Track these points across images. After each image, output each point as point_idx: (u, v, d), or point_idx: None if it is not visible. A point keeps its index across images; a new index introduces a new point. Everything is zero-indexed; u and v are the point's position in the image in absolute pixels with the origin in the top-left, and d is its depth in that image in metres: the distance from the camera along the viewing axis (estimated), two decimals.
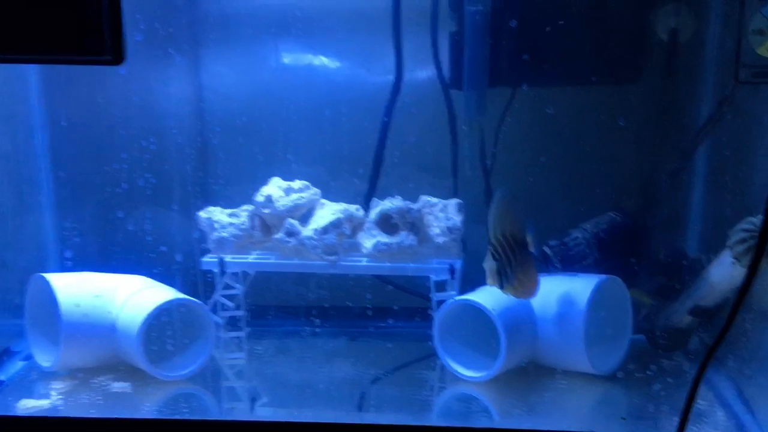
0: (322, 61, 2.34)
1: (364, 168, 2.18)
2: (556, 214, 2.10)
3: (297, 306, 2.22)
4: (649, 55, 2.04)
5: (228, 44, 2.31)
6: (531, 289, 1.62)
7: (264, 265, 1.99)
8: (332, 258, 1.96)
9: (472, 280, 1.96)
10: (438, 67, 2.15)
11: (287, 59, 2.33)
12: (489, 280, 1.62)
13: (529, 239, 1.68)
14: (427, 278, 1.93)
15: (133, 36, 1.99)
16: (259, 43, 2.32)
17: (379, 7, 2.21)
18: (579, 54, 2.01)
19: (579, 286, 1.83)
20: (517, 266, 1.59)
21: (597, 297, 1.81)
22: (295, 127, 2.29)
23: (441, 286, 1.89)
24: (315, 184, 2.11)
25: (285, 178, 2.12)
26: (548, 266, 1.97)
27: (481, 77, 2.01)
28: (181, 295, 1.88)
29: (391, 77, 2.08)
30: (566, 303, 1.82)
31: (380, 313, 2.07)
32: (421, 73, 2.25)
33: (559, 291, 1.85)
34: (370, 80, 2.29)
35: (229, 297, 2.07)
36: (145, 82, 2.22)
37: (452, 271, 1.94)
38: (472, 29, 1.98)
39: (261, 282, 2.13)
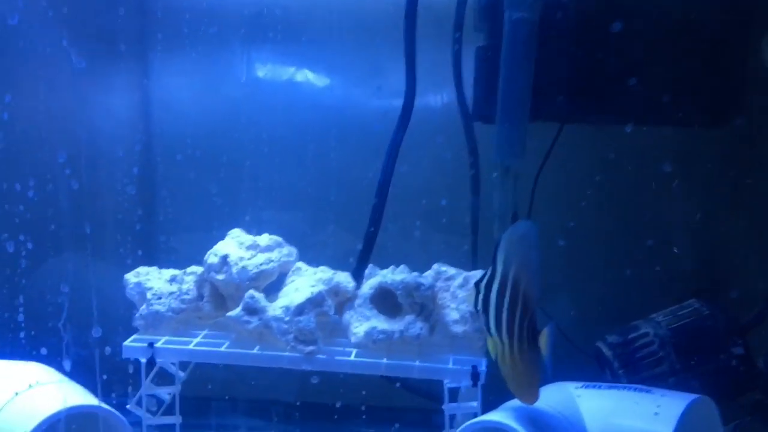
0: (307, 76, 1.82)
1: (358, 221, 1.62)
2: (611, 299, 1.57)
3: (264, 401, 1.65)
4: (745, 93, 1.53)
5: (185, 48, 1.78)
6: (527, 383, 1.23)
7: (211, 355, 1.42)
8: (309, 349, 1.41)
9: (503, 389, 1.40)
10: (460, 92, 1.63)
11: (261, 72, 1.82)
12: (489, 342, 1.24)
13: (543, 337, 1.22)
14: (440, 382, 1.36)
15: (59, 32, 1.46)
16: (225, 48, 1.80)
17: (385, 11, 1.68)
18: (656, 84, 1.49)
19: (654, 410, 1.29)
20: (518, 336, 1.21)
21: (684, 428, 1.26)
22: (268, 162, 1.76)
23: (459, 394, 1.32)
24: (291, 240, 1.56)
25: (250, 230, 1.56)
26: (604, 372, 1.43)
27: (521, 108, 1.48)
28: (90, 399, 1.31)
29: (398, 103, 1.55)
30: None
31: (379, 417, 1.49)
32: (437, 98, 1.74)
33: (624, 415, 1.31)
34: (370, 105, 1.78)
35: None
36: (69, 91, 1.66)
37: (475, 375, 1.38)
38: (511, 43, 1.46)
39: (211, 367, 1.56)
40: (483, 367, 1.40)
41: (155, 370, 1.49)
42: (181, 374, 1.52)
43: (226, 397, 1.65)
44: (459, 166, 1.67)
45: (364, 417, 1.56)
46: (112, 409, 1.32)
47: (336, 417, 1.56)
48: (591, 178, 1.63)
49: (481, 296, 1.24)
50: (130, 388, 1.52)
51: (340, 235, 1.69)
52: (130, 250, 1.63)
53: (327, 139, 1.77)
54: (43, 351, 1.45)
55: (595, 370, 1.53)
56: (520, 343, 1.22)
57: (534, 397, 1.27)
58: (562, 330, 1.64)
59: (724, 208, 1.65)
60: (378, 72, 1.82)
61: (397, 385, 1.53)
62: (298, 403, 1.63)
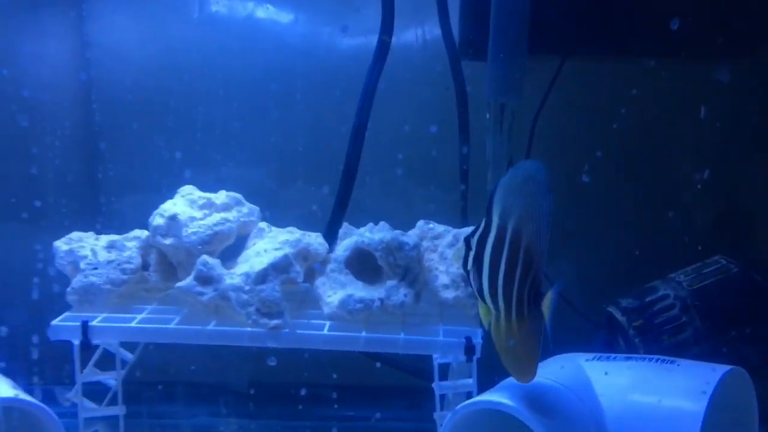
0: (269, 12, 1.58)
1: (330, 176, 1.40)
2: (620, 257, 1.37)
3: (222, 386, 1.43)
4: None
5: None
6: (526, 358, 1.04)
7: (157, 333, 1.19)
8: (273, 323, 1.19)
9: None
10: (444, 25, 1.40)
11: (216, 8, 1.57)
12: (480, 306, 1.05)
13: (548, 300, 1.02)
14: (429, 358, 1.16)
15: None
16: None
17: None
18: (670, 10, 1.27)
19: (681, 385, 1.11)
20: (517, 301, 1.03)
21: (715, 406, 1.08)
22: (226, 111, 1.53)
23: (450, 371, 1.12)
24: (253, 200, 1.33)
25: (206, 188, 1.33)
26: (616, 341, 1.24)
27: (518, 37, 1.26)
28: (11, 391, 1.09)
29: (372, 41, 1.31)
30: (665, 416, 1.08)
31: (354, 398, 1.30)
32: (418, 33, 1.50)
33: (645, 391, 1.12)
34: (340, 45, 1.55)
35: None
36: None
37: (470, 347, 1.18)
38: None
39: (162, 349, 1.34)
40: (479, 339, 1.20)
41: (98, 353, 1.27)
42: (129, 356, 1.31)
43: (179, 383, 1.43)
44: (445, 109, 1.45)
45: (338, 400, 1.35)
46: (33, 401, 1.10)
47: (305, 402, 1.35)
48: (596, 120, 1.42)
49: (472, 254, 1.04)
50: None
51: (310, 192, 1.48)
52: (66, 215, 1.39)
53: (292, 84, 1.54)
54: None
55: (603, 340, 1.34)
56: (519, 310, 1.03)
57: (532, 374, 1.07)
58: (564, 294, 1.45)
59: (746, 152, 1.45)
60: (349, 6, 1.58)
61: (378, 364, 1.32)
62: (261, 387, 1.41)
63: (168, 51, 1.58)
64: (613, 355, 1.21)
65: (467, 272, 1.06)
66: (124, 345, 1.29)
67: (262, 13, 1.60)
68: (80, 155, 1.53)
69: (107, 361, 1.26)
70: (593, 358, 1.22)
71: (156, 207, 1.31)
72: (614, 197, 1.46)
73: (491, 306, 1.04)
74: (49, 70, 1.55)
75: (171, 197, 1.33)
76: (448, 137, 1.41)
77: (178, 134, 1.50)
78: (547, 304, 1.02)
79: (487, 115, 1.30)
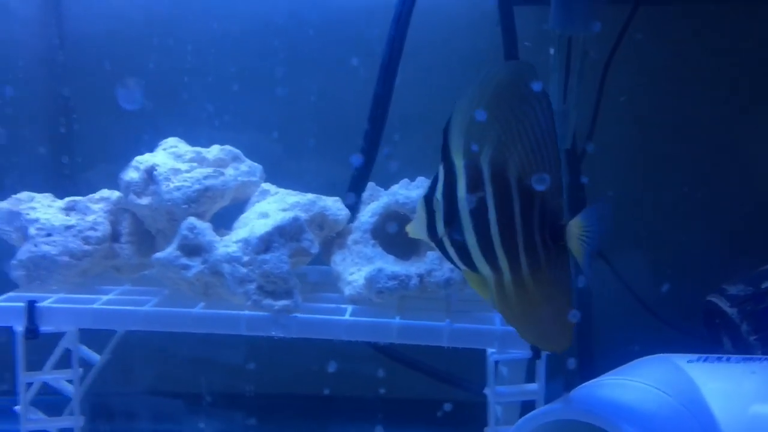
0: None
1: (348, 137, 1.13)
2: (700, 240, 1.10)
3: (214, 392, 1.14)
4: None
5: None
6: (555, 317, 0.77)
7: (128, 318, 0.90)
8: (280, 304, 0.90)
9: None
10: None
11: None
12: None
13: (576, 229, 0.75)
14: (481, 353, 0.87)
15: None
16: None
17: None
18: None
19: None
20: (525, 247, 0.76)
21: None
22: (222, 66, 1.26)
23: (516, 373, 0.84)
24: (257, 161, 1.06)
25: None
26: (719, 339, 0.96)
27: None
28: None
29: None
30: None
31: (379, 412, 1.02)
32: None
33: None
34: None
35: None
36: None
37: None
38: None
39: (139, 344, 1.06)
40: None
41: (58, 350, 0.98)
42: (90, 354, 1.02)
43: (151, 388, 1.14)
44: (488, 60, 1.18)
45: (354, 410, 1.05)
46: None
47: (315, 411, 1.05)
48: (684, 74, 1.16)
49: (440, 215, 0.77)
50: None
51: (323, 158, 1.20)
52: (31, 183, 1.11)
53: (301, 35, 1.28)
54: None
55: (684, 340, 1.06)
56: (533, 258, 0.76)
57: (569, 338, 0.78)
58: (630, 286, 1.17)
59: None
60: None
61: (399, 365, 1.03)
62: (262, 392, 1.12)
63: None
64: (725, 356, 0.93)
65: (438, 241, 0.79)
66: (95, 338, 1.00)
67: None
68: (48, 118, 1.26)
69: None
70: (698, 360, 0.94)
71: None
72: (703, 168, 1.19)
73: (488, 269, 0.77)
74: (18, 21, 1.30)
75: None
76: None
77: (164, 94, 1.24)
78: (577, 233, 0.74)
79: (551, 51, 1.04)
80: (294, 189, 1.07)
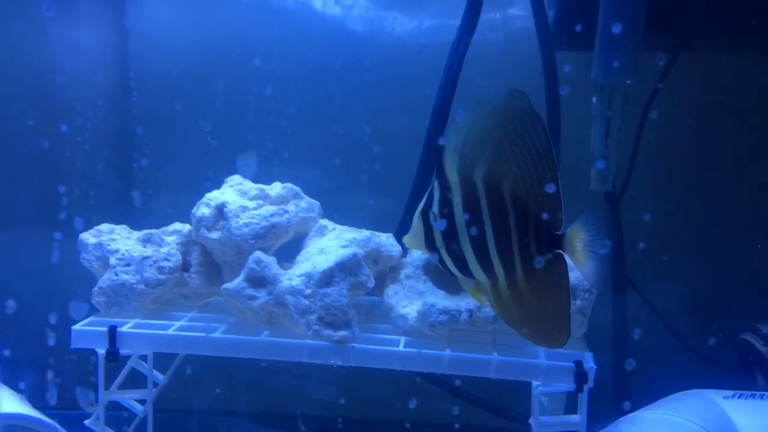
0: None
1: (400, 171, 1.21)
2: (736, 277, 1.15)
3: (275, 414, 1.21)
4: None
5: None
6: (552, 317, 0.85)
7: (199, 344, 0.98)
8: (339, 335, 0.97)
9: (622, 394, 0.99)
10: (538, 7, 1.22)
11: None
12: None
13: (575, 236, 0.84)
14: (527, 386, 0.94)
15: None
16: None
17: None
18: None
19: None
20: (520, 254, 0.85)
21: None
22: (278, 103, 1.34)
23: (555, 403, 0.89)
24: (311, 196, 1.14)
25: (257, 182, 1.14)
26: (753, 376, 1.01)
27: (634, 13, 1.07)
28: (21, 408, 0.90)
29: (440, 25, 1.20)
30: None
31: None
32: (498, 16, 1.33)
33: None
34: (407, 30, 1.38)
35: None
36: (32, 25, 1.27)
37: (580, 374, 0.95)
38: None
39: (204, 366, 1.14)
40: (591, 364, 0.97)
41: (127, 368, 1.07)
42: (159, 376, 1.10)
43: (222, 409, 1.21)
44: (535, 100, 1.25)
45: None
46: (41, 419, 0.89)
47: None
48: (717, 117, 1.22)
49: (438, 229, 0.85)
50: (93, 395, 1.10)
51: (376, 193, 1.27)
52: (98, 213, 1.20)
53: (353, 74, 1.36)
54: None
55: (732, 376, 1.10)
56: (527, 266, 0.84)
57: (566, 335, 0.86)
58: (667, 321, 1.22)
59: None
60: None
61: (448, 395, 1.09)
62: (318, 415, 1.19)
63: (214, 38, 1.42)
64: (759, 393, 0.97)
65: (436, 253, 0.87)
66: (156, 361, 1.09)
67: None
68: (117, 148, 1.35)
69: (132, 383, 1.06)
70: (733, 396, 0.98)
71: (196, 202, 1.12)
72: (736, 207, 1.24)
73: (484, 276, 0.85)
74: (88, 59, 1.40)
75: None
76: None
77: (224, 127, 1.32)
78: (576, 241, 0.82)
79: (594, 100, 1.10)
80: (346, 222, 1.15)
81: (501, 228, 0.83)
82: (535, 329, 0.88)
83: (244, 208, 1.05)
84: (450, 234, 0.85)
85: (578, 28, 1.19)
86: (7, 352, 1.12)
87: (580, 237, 0.83)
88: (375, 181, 1.29)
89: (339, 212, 1.22)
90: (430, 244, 0.87)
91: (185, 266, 1.09)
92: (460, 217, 0.83)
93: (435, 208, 0.85)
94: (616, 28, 1.07)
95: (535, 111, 0.81)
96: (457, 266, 0.87)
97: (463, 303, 1.01)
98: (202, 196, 1.12)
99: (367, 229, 1.12)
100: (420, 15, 1.39)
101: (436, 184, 0.85)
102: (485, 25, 1.37)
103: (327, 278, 0.99)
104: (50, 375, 1.21)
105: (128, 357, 1.07)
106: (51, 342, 1.08)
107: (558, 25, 1.23)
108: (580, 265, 0.84)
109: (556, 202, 0.82)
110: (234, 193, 1.09)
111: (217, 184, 1.15)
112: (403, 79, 1.35)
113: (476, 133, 0.82)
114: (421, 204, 0.89)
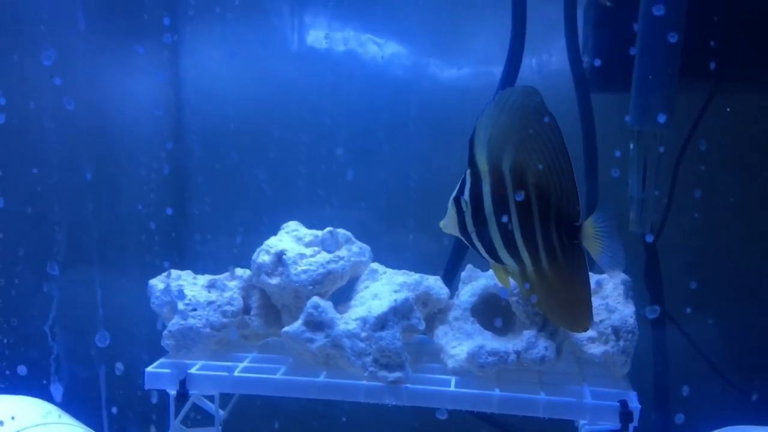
0: (370, 44, 1.51)
1: (444, 212, 1.26)
2: None
3: None
4: None
5: (223, 16, 1.46)
6: (575, 302, 0.92)
7: (263, 385, 1.05)
8: (393, 376, 1.03)
9: None
10: (573, 51, 1.28)
11: (315, 40, 1.49)
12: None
13: (590, 229, 0.92)
14: (572, 425, 0.99)
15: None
16: (271, 12, 1.48)
17: None
18: None
19: None
20: (544, 245, 0.91)
21: None
22: (327, 147, 1.41)
23: None
24: (360, 238, 1.20)
25: (310, 225, 1.21)
26: None
27: (669, 60, 1.12)
28: None
29: (482, 70, 1.27)
30: None
31: None
32: (539, 61, 1.38)
33: None
34: (448, 76, 1.44)
35: None
36: (90, 75, 1.36)
37: (626, 413, 1.00)
38: None
39: (263, 401, 1.19)
40: (636, 404, 1.01)
41: (187, 406, 1.13)
42: (221, 413, 1.16)
43: None
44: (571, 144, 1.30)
45: None
46: None
47: None
48: (755, 159, 1.26)
49: (468, 214, 0.92)
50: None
51: (421, 234, 1.33)
52: (157, 255, 1.28)
53: (398, 119, 1.43)
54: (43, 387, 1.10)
55: (759, 413, 1.14)
56: (551, 255, 0.91)
57: (588, 320, 0.93)
58: (710, 359, 1.26)
59: None
60: (455, 36, 1.49)
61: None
62: None
63: (266, 85, 1.49)
64: None
65: (467, 237, 0.93)
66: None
67: (363, 45, 1.51)
68: (170, 192, 1.43)
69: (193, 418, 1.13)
70: None
71: (252, 249, 1.19)
72: None
73: (513, 262, 0.92)
74: (135, 107, 1.48)
75: (268, 236, 1.21)
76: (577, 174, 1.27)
77: (277, 174, 1.39)
78: (591, 232, 0.89)
79: (631, 146, 1.16)
80: (394, 261, 1.21)
81: (525, 217, 0.89)
82: (561, 314, 0.95)
83: (302, 255, 1.11)
84: (480, 220, 0.90)
85: (613, 72, 1.25)
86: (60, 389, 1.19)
87: (595, 228, 0.89)
88: (420, 222, 1.35)
89: (387, 252, 1.29)
90: (462, 229, 0.94)
91: (246, 309, 1.16)
92: (489, 204, 0.89)
93: (466, 195, 0.91)
94: (652, 76, 1.12)
95: (546, 108, 0.88)
96: (487, 251, 0.93)
97: (511, 345, 1.06)
98: (258, 239, 1.19)
99: (413, 268, 1.18)
100: (458, 61, 1.45)
101: (468, 172, 0.92)
102: (523, 67, 1.43)
103: (381, 322, 1.05)
104: (114, 410, 1.28)
105: None
106: (116, 379, 1.16)
107: (593, 69, 1.29)
108: (595, 254, 0.90)
109: (573, 195, 0.89)
110: (291, 240, 1.16)
111: (272, 228, 1.22)
112: (445, 123, 1.41)
113: (500, 126, 0.89)
114: (455, 191, 0.95)
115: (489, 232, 0.91)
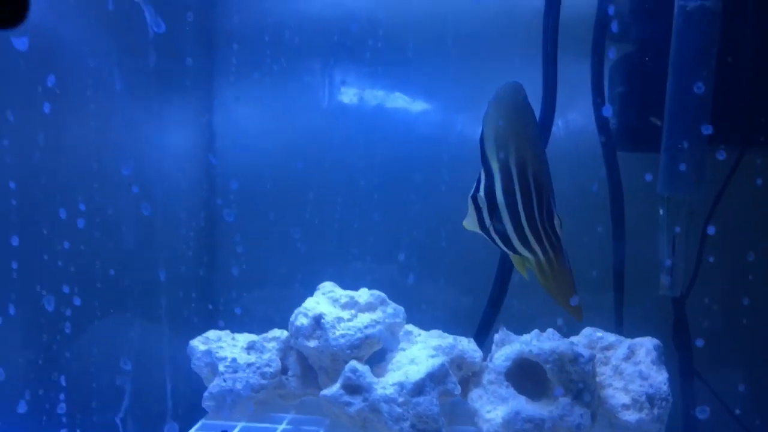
0: (399, 100, 1.53)
1: (475, 271, 1.29)
2: None
3: None
4: None
5: (257, 71, 1.50)
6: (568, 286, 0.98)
7: None
8: None
9: None
10: (599, 114, 1.31)
11: (348, 96, 1.52)
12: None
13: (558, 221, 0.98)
14: None
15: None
16: (304, 70, 1.52)
17: (487, 21, 1.41)
18: None
19: None
20: (545, 234, 0.96)
21: None
22: (359, 203, 1.45)
23: None
24: (389, 296, 1.23)
25: (341, 284, 1.24)
26: None
27: (698, 121, 1.14)
28: None
29: None
30: None
31: None
32: (565, 121, 1.41)
33: None
34: (477, 132, 1.46)
35: None
36: (123, 127, 1.39)
37: None
38: (683, 39, 1.14)
39: None
40: None
41: None
42: None
43: None
44: (595, 204, 1.33)
45: None
46: None
47: None
48: None
49: (485, 210, 0.96)
50: None
51: (453, 291, 1.36)
52: (191, 311, 1.31)
53: (428, 174, 1.45)
54: None
55: None
56: (550, 242, 0.97)
57: (576, 299, 0.99)
58: (740, 420, 1.27)
59: None
60: (486, 94, 1.51)
61: None
62: None
63: (299, 140, 1.53)
64: None
65: (486, 232, 0.98)
66: None
67: (393, 101, 1.54)
68: (203, 247, 1.46)
69: None
70: None
71: (285, 303, 1.22)
72: None
73: (527, 254, 0.97)
74: (169, 159, 1.51)
75: (302, 294, 1.24)
76: (598, 237, 1.30)
77: (309, 229, 1.42)
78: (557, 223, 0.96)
79: (661, 212, 1.18)
80: (426, 318, 1.23)
81: (530, 210, 0.94)
82: (563, 297, 0.99)
83: (340, 319, 1.14)
84: (494, 215, 0.96)
85: (640, 134, 1.28)
86: None
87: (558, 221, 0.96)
88: (452, 280, 1.37)
89: (419, 309, 1.31)
90: (481, 225, 0.98)
91: (283, 370, 1.18)
92: (501, 198, 0.94)
93: (481, 191, 0.96)
94: (682, 143, 1.15)
95: (526, 102, 0.92)
96: (504, 243, 0.97)
97: (546, 411, 1.08)
98: (294, 294, 1.22)
99: (443, 324, 1.21)
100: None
101: (482, 170, 0.97)
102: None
103: (419, 388, 1.07)
104: None
105: None
106: None
107: (619, 131, 1.31)
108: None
109: (551, 185, 0.95)
110: (327, 302, 1.18)
111: (308, 282, 1.25)
112: (473, 179, 1.44)
113: (503, 122, 0.93)
114: (472, 189, 1.00)
115: (503, 225, 0.95)
